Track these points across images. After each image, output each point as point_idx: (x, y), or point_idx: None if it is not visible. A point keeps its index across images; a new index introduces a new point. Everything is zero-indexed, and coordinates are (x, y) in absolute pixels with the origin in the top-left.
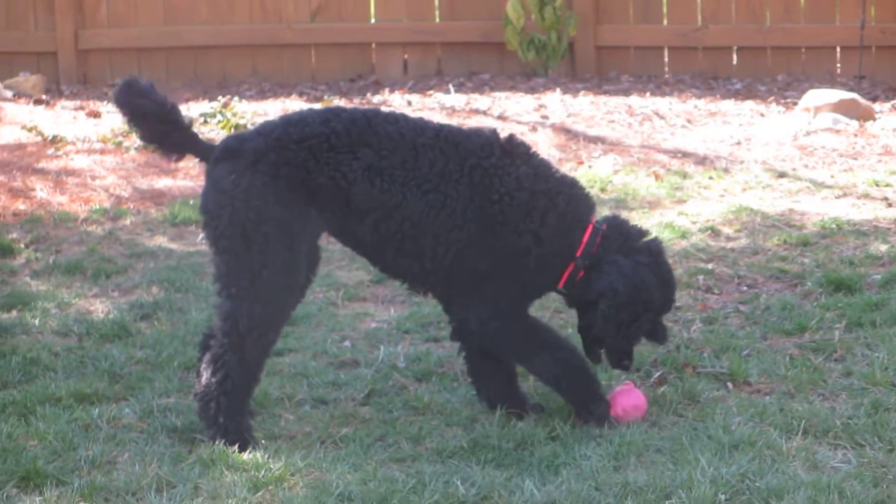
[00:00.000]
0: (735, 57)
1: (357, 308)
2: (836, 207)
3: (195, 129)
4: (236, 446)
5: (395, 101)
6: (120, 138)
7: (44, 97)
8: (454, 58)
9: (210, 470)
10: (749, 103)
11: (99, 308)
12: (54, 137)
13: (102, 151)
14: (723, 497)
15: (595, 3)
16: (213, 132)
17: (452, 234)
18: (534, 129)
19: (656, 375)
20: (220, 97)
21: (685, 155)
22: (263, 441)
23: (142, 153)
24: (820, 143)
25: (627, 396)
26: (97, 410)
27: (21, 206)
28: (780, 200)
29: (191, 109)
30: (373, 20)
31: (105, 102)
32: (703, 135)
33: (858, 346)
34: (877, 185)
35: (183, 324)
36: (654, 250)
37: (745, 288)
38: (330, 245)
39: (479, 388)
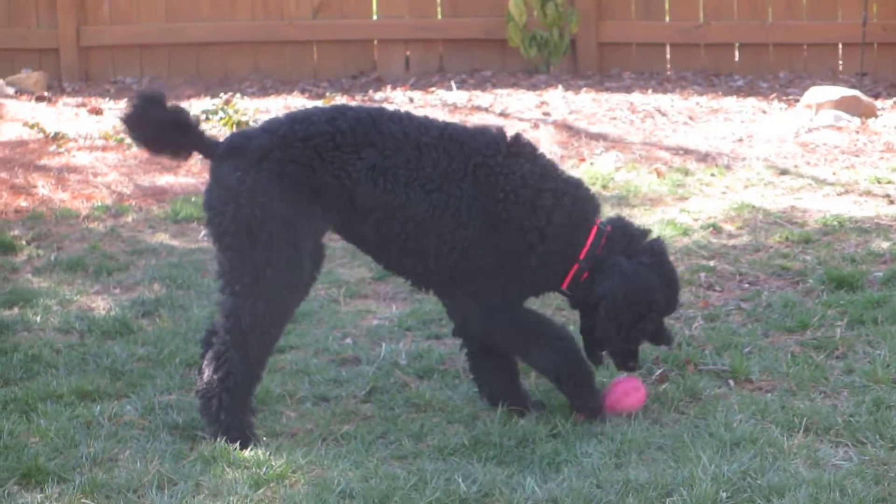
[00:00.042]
0: (737, 54)
1: (359, 305)
2: (838, 204)
3: None
4: (238, 443)
5: (397, 98)
6: (122, 135)
7: (46, 94)
8: (456, 54)
9: (211, 467)
10: (751, 100)
11: (100, 305)
12: (56, 134)
13: (104, 148)
14: (724, 494)
15: None
16: (214, 129)
17: (457, 233)
18: (535, 126)
19: (658, 373)
20: (221, 94)
21: (687, 152)
22: (265, 438)
23: (143, 150)
24: (822, 140)
25: (626, 381)
26: (99, 407)
27: (23, 202)
28: (781, 197)
29: (192, 106)
30: (375, 17)
31: (107, 99)
32: (704, 132)
33: (860, 344)
34: (878, 183)
35: (184, 321)
36: (658, 251)
37: (747, 285)
38: (332, 242)
39: (481, 385)
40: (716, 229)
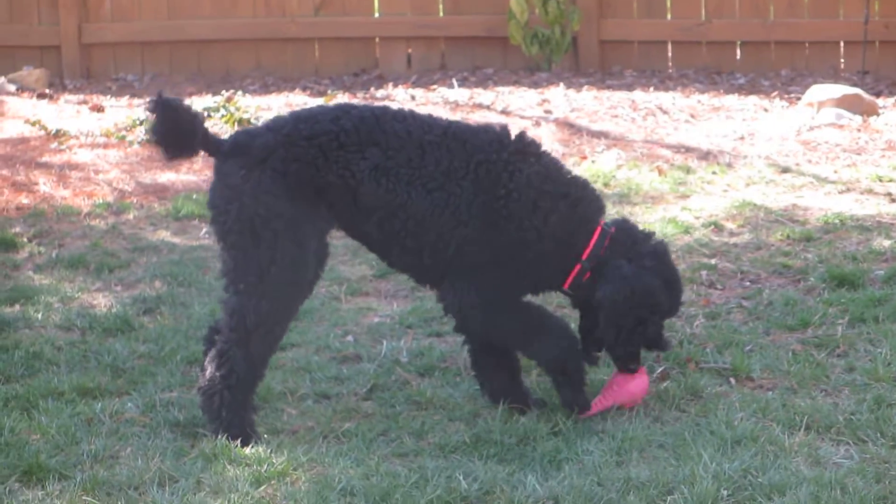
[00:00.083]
0: (739, 52)
1: (360, 303)
2: (840, 203)
3: None
4: (239, 441)
5: (399, 96)
6: (123, 132)
7: (47, 91)
8: (458, 52)
9: (212, 464)
10: (752, 98)
11: (102, 302)
12: (57, 131)
13: (106, 146)
14: (725, 492)
15: None
16: (216, 126)
17: (456, 231)
18: (537, 123)
19: (659, 371)
20: (223, 91)
21: (688, 150)
22: (266, 436)
23: (145, 147)
24: (823, 138)
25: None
26: (100, 405)
27: (24, 200)
28: (783, 196)
29: (194, 103)
30: (376, 14)
31: (109, 97)
32: (706, 130)
33: (861, 342)
34: (880, 181)
35: (186, 318)
36: (660, 253)
37: (748, 283)
38: (333, 240)
39: (483, 383)
40: (717, 227)
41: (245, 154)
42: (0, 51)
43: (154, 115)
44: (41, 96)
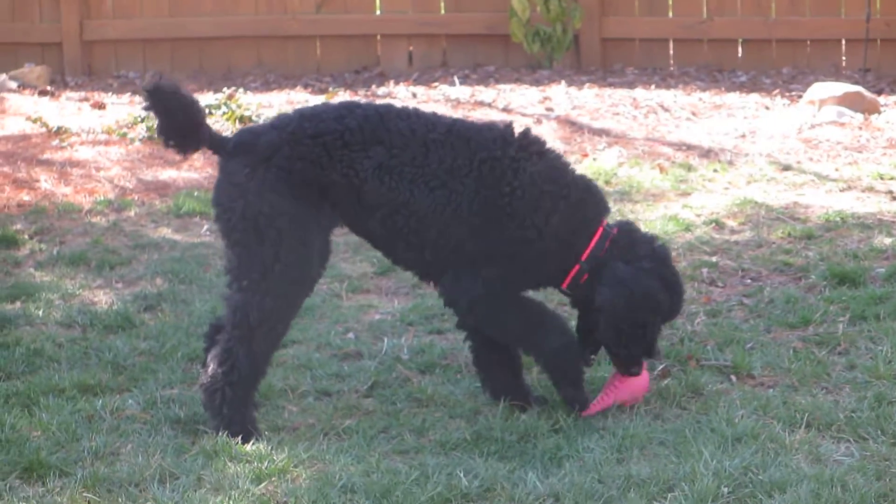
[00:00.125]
0: (740, 49)
1: (361, 300)
2: (841, 200)
3: None
4: (239, 438)
5: (400, 93)
6: (124, 129)
7: (48, 88)
8: (459, 50)
9: (213, 461)
10: (754, 96)
11: (103, 299)
12: (59, 128)
13: (107, 143)
14: (725, 490)
15: None
16: (217, 124)
17: (456, 228)
18: (538, 121)
19: (660, 368)
20: (224, 88)
21: (690, 147)
22: (267, 432)
23: (146, 144)
24: (824, 136)
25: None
26: (100, 401)
27: (25, 197)
28: (784, 193)
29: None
30: (378, 12)
31: (110, 94)
32: (707, 127)
33: (862, 340)
34: (881, 179)
35: (187, 315)
36: (660, 256)
37: (749, 281)
38: (334, 237)
39: (484, 380)
40: (718, 225)
41: (250, 152)
42: (1, 48)
43: (150, 101)
44: (42, 93)
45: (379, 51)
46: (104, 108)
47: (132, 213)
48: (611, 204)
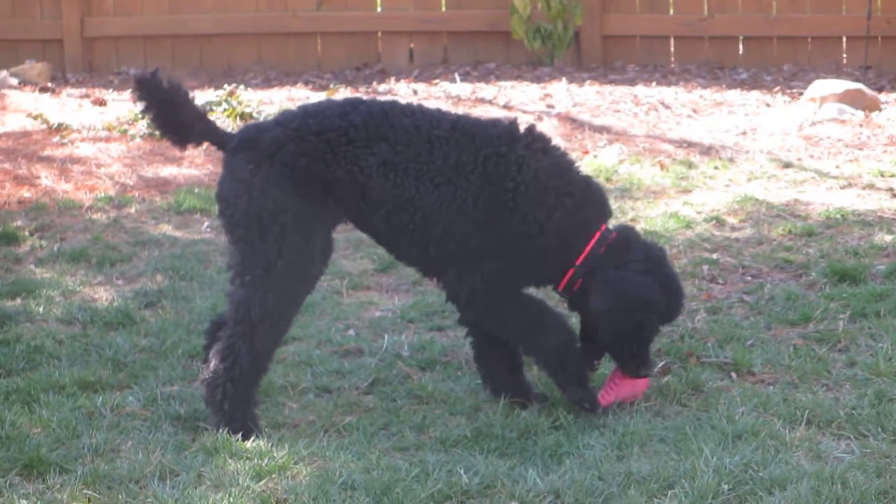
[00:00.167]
0: (741, 47)
1: (361, 297)
2: (841, 198)
3: None
4: (240, 434)
5: (401, 90)
6: (125, 126)
7: (49, 85)
8: (460, 47)
9: (213, 458)
10: (755, 93)
11: (103, 296)
12: (59, 125)
13: (108, 139)
14: (726, 487)
15: None
16: (218, 120)
17: (462, 224)
18: (539, 118)
19: (660, 365)
20: (225, 85)
21: (690, 145)
22: (267, 429)
23: (147, 141)
24: (825, 133)
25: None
26: (101, 398)
27: (26, 193)
28: (785, 190)
29: (196, 98)
30: (378, 9)
31: (111, 90)
32: (708, 124)
33: (863, 337)
34: (882, 176)
35: (187, 312)
36: (655, 258)
37: (750, 278)
38: (335, 234)
39: (485, 377)
40: (719, 222)
41: (254, 148)
42: (2, 44)
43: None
44: (43, 90)
45: (380, 48)
46: (105, 104)
47: (133, 210)
48: (611, 201)
